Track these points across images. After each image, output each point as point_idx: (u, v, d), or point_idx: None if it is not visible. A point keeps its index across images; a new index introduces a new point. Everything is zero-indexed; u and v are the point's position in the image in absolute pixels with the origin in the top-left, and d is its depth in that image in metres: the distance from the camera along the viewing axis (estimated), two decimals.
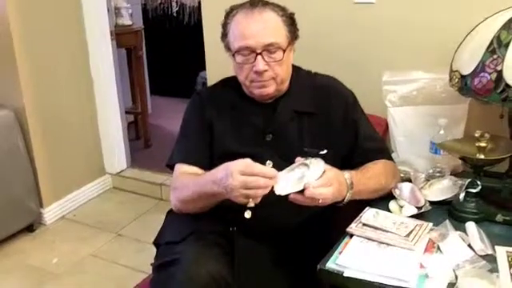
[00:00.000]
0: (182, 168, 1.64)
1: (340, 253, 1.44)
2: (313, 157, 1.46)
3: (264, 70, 1.55)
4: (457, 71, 1.58)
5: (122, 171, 3.50)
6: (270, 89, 1.59)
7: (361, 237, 1.49)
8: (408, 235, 1.46)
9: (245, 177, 1.33)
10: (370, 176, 1.57)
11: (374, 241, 1.47)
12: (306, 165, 1.42)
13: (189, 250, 1.44)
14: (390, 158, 1.72)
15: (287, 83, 1.65)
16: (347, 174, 1.50)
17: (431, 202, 1.66)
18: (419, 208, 1.62)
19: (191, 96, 1.77)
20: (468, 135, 1.76)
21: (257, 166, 1.34)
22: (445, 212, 1.63)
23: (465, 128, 1.86)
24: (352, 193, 1.50)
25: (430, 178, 1.79)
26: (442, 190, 1.72)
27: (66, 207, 3.20)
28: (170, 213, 1.73)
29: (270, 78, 1.57)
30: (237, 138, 1.62)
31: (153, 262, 1.68)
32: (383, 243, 1.46)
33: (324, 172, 1.41)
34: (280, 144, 1.61)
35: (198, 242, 1.49)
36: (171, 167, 1.70)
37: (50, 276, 2.63)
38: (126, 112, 3.68)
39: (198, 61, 4.76)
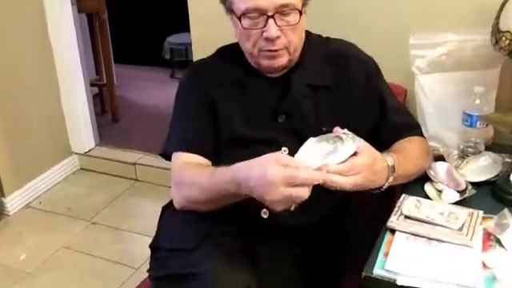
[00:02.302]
0: (182, 158, 1.38)
1: (385, 254, 1.22)
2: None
3: (277, 36, 1.30)
4: (508, 32, 1.37)
5: (90, 150, 3.28)
6: (283, 59, 1.35)
7: (405, 232, 1.28)
8: (461, 228, 1.27)
9: (291, 189, 1.09)
10: (410, 159, 1.36)
11: (422, 237, 1.26)
12: (341, 138, 1.19)
13: (208, 262, 1.21)
14: (422, 134, 1.51)
15: (299, 52, 1.40)
16: (389, 158, 1.28)
17: (473, 184, 1.46)
18: (461, 192, 1.42)
19: (183, 71, 1.51)
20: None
21: (302, 173, 1.10)
22: (486, 195, 1.44)
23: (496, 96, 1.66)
24: (392, 179, 1.29)
25: (463, 154, 1.60)
26: (481, 168, 1.52)
27: (30, 194, 2.95)
28: (168, 209, 1.46)
29: (283, 47, 1.33)
30: (245, 121, 1.39)
31: (148, 267, 1.47)
32: (434, 239, 1.25)
33: (354, 154, 1.18)
34: (295, 126, 1.38)
35: (215, 249, 1.26)
36: (166, 157, 1.44)
37: (18, 275, 2.39)
38: (91, 84, 3.44)
39: (166, 25, 4.70)
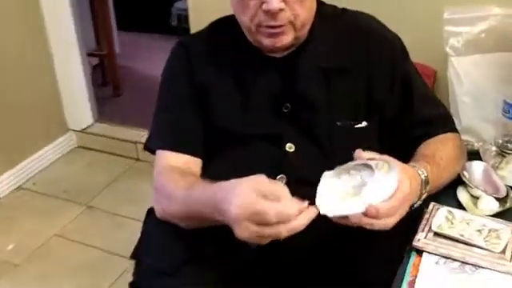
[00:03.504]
0: (167, 158, 1.18)
1: (411, 283, 1.00)
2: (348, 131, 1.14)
3: (279, 8, 1.06)
4: None
5: (89, 127, 3.16)
6: (287, 38, 1.11)
7: (435, 254, 1.06)
8: (504, 251, 1.05)
9: (258, 228, 0.88)
10: (445, 166, 1.15)
11: (454, 260, 1.05)
12: (369, 166, 0.94)
13: None
14: (455, 129, 1.28)
15: (308, 27, 1.16)
16: (423, 170, 1.06)
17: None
18: (501, 200, 1.20)
19: (172, 48, 1.26)
20: None
21: (272, 212, 0.87)
22: None
23: None
24: (426, 195, 1.08)
25: (501, 150, 1.38)
26: None
27: (22, 175, 2.82)
28: (152, 215, 1.26)
29: (287, 22, 1.09)
30: (243, 112, 1.17)
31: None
32: (469, 264, 1.04)
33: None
34: (303, 117, 1.17)
35: (196, 278, 1.09)
36: (151, 151, 1.25)
37: (5, 267, 2.24)
38: (90, 54, 3.32)
39: None
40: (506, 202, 1.19)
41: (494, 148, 1.37)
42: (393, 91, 1.20)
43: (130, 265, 2.10)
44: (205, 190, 1.01)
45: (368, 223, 0.91)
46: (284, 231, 0.86)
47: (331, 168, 1.09)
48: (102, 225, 2.47)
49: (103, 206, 2.59)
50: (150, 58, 4.01)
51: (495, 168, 1.30)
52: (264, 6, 1.06)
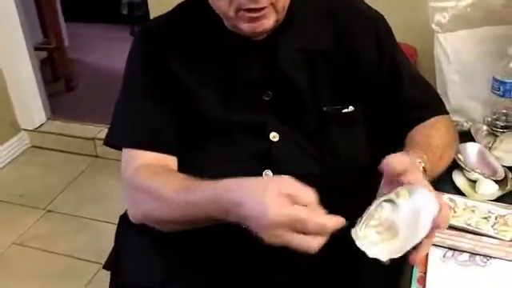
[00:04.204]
0: (139, 158, 1.06)
1: (421, 279, 0.94)
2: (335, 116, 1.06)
3: None
4: None
5: (42, 125, 3.05)
6: (268, 21, 1.01)
7: (442, 247, 1.00)
8: None
9: (296, 237, 0.79)
10: (441, 154, 1.07)
11: (463, 251, 0.99)
12: (390, 201, 0.85)
13: None
14: (446, 111, 1.21)
15: (287, 7, 1.06)
16: (421, 162, 0.98)
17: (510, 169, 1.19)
18: (499, 182, 1.15)
19: (134, 34, 1.17)
20: None
21: (313, 222, 0.78)
22: None
23: None
24: None
25: (492, 129, 1.33)
26: None
27: None
28: (125, 222, 1.15)
29: (269, 4, 0.99)
30: (220, 100, 1.07)
31: None
32: (479, 255, 0.98)
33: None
34: (286, 103, 1.08)
35: None
36: (115, 146, 1.14)
37: None
38: (37, 48, 3.18)
39: None
40: (505, 185, 1.13)
41: (485, 127, 1.32)
42: (381, 70, 1.12)
43: (98, 269, 2.04)
44: (209, 189, 0.90)
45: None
46: (316, 244, 0.78)
47: (318, 156, 1.05)
48: (64, 229, 2.36)
49: (63, 208, 2.49)
50: (102, 49, 3.94)
51: (489, 148, 1.25)
52: None
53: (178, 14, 1.12)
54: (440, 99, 1.21)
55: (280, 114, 1.07)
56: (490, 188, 1.13)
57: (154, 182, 0.99)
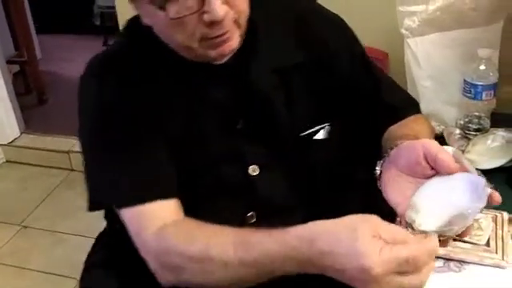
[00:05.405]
0: (149, 212, 0.90)
1: None
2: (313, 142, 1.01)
3: (225, 13, 0.85)
4: None
5: (16, 139, 3.03)
6: (234, 41, 0.91)
7: None
8: (488, 243, 1.00)
9: (403, 279, 0.70)
10: None
11: (437, 257, 0.97)
12: None
13: None
14: (420, 111, 1.17)
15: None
16: None
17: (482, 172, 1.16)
18: None
19: (86, 73, 0.98)
20: None
21: (423, 255, 0.70)
22: (501, 185, 1.10)
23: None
24: None
25: (466, 133, 1.33)
26: (492, 151, 1.26)
27: None
28: (103, 239, 1.11)
29: (232, 23, 0.88)
30: (199, 141, 0.97)
31: None
32: (454, 260, 0.98)
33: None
34: (260, 132, 0.99)
35: None
36: (97, 207, 0.98)
37: None
38: (9, 62, 3.17)
39: None
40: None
41: (457, 131, 1.32)
42: (354, 80, 1.05)
43: (75, 284, 2.01)
44: (279, 241, 0.77)
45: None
46: (429, 274, 0.71)
47: (300, 185, 1.00)
48: (40, 245, 2.32)
49: (39, 224, 2.45)
50: (75, 61, 3.82)
51: (462, 151, 1.25)
52: (205, 18, 0.84)
53: (131, 44, 0.98)
54: (414, 98, 1.17)
55: (256, 143, 0.99)
56: None
57: (195, 242, 0.84)
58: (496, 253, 0.97)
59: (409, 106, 1.11)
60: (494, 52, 1.33)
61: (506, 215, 1.05)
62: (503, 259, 0.96)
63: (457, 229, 0.75)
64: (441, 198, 0.77)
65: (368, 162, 0.90)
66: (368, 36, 1.34)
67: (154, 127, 0.93)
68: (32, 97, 3.48)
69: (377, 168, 0.87)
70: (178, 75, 0.95)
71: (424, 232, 0.74)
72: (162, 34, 0.90)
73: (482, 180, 0.78)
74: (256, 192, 0.99)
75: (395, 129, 1.04)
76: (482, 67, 1.28)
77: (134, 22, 0.94)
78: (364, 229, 0.69)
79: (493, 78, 1.29)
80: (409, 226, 0.76)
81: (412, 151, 0.79)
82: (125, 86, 0.94)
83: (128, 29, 0.99)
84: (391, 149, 0.86)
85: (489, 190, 0.76)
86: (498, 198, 0.76)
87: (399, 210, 0.79)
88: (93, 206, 0.95)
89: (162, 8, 0.83)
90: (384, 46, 1.46)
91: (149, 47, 0.94)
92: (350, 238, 0.69)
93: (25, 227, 2.43)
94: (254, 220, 1.00)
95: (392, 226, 0.72)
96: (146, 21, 0.89)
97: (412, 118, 1.08)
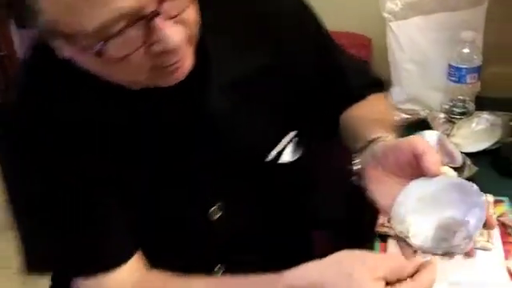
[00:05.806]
0: (111, 282, 0.79)
1: None
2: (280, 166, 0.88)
3: (180, 37, 0.67)
4: None
5: None
6: (188, 61, 0.72)
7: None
8: None
9: None
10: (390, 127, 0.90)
11: None
12: None
13: None
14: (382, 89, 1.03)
15: None
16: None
17: (467, 155, 1.18)
18: (458, 169, 1.13)
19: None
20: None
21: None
22: (486, 168, 1.17)
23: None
24: None
25: (450, 117, 1.31)
26: (477, 134, 1.25)
27: None
28: None
29: (186, 44, 0.70)
30: (149, 181, 0.82)
31: None
32: None
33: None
34: (221, 166, 0.85)
35: None
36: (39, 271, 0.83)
37: None
38: None
39: None
40: (462, 171, 1.12)
41: (442, 115, 1.30)
42: (320, 65, 0.92)
43: None
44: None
45: None
46: None
47: (267, 218, 0.91)
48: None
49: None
50: None
51: (447, 135, 1.24)
52: (157, 48, 0.66)
53: (53, 80, 0.77)
54: (378, 77, 1.04)
55: (218, 177, 0.85)
56: (449, 175, 1.11)
57: None
58: (482, 235, 0.95)
59: (367, 87, 0.98)
60: (478, 35, 1.32)
61: (490, 197, 1.05)
62: (488, 241, 0.95)
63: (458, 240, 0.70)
64: (428, 208, 0.70)
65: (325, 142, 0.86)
66: (351, 22, 1.33)
67: (105, 183, 0.78)
68: (11, 93, 3.34)
69: (355, 162, 0.79)
70: (117, 110, 0.77)
71: (421, 248, 0.69)
72: (94, 72, 0.70)
73: (471, 184, 0.71)
74: (219, 241, 0.89)
75: (350, 111, 0.95)
76: (466, 50, 1.27)
77: (42, 51, 0.72)
78: (362, 273, 0.64)
79: (477, 60, 1.28)
80: (401, 240, 0.70)
81: (400, 151, 0.72)
82: (63, 134, 0.75)
83: (36, 62, 0.79)
84: (369, 144, 0.79)
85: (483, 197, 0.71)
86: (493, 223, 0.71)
87: (389, 212, 0.72)
88: (33, 269, 0.80)
89: (99, 54, 0.63)
90: (367, 31, 1.44)
91: (74, 83, 0.73)
92: (351, 287, 0.64)
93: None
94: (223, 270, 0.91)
95: (386, 258, 0.69)
96: (66, 55, 0.68)
97: (371, 97, 0.97)
